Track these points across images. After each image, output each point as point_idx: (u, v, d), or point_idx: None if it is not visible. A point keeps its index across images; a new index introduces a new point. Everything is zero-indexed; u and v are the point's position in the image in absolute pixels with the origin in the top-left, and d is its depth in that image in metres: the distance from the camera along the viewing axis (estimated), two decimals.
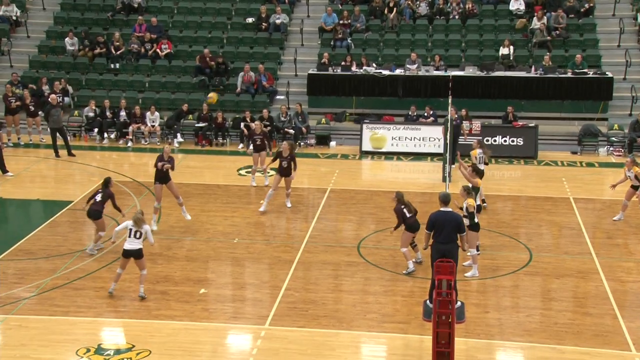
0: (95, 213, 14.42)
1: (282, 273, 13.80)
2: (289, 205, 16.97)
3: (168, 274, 13.70)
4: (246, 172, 19.81)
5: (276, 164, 17.09)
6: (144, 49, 26.13)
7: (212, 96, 20.21)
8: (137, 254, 12.65)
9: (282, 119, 23.15)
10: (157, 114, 23.71)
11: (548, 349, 11.09)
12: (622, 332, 11.51)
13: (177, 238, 15.19)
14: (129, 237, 12.60)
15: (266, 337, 11.56)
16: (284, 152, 16.74)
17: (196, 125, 23.61)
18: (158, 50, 26.12)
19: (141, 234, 12.61)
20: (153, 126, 23.58)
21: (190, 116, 24.00)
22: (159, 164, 15.73)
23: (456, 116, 20.64)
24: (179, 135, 23.45)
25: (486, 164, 17.06)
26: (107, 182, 14.74)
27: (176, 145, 23.15)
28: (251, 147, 18.71)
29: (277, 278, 13.59)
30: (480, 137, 20.18)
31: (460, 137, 20.78)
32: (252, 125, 20.15)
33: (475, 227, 13.33)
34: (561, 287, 13.27)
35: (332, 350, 11.16)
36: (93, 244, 14.64)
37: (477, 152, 16.90)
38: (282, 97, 24.85)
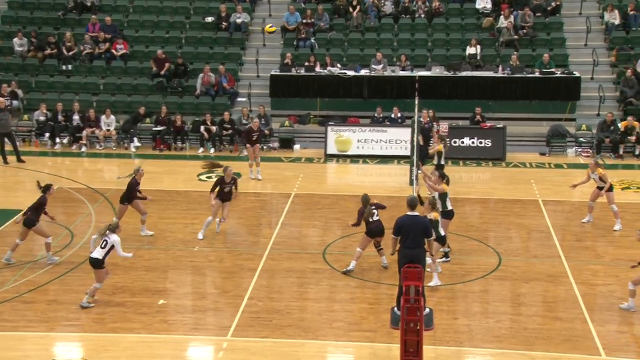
0: (28, 221, 14.20)
1: (244, 282, 13.74)
2: (218, 230, 16.11)
3: (125, 285, 13.54)
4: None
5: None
6: (97, 49, 25.85)
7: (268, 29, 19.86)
8: (94, 263, 12.52)
9: (244, 121, 23.07)
10: (112, 117, 23.48)
11: (518, 355, 11.20)
12: (592, 337, 11.68)
13: (135, 247, 15.02)
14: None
15: (228, 348, 11.49)
16: (226, 177, 15.89)
17: (154, 128, 23.44)
18: (113, 50, 25.86)
19: (106, 242, 12.48)
20: (108, 130, 23.34)
21: (148, 119, 23.82)
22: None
23: (428, 119, 20.79)
24: (135, 139, 23.25)
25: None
26: (46, 188, 14.51)
27: (133, 149, 22.94)
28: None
29: (240, 287, 13.53)
30: (444, 134, 20.29)
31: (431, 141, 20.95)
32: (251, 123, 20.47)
33: (441, 239, 13.44)
34: (530, 292, 13.43)
35: None
36: (47, 253, 14.41)
37: (441, 147, 17.37)
38: (243, 99, 24.78)
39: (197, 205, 17.79)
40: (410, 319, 10.08)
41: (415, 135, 18.67)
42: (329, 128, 22.86)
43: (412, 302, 10.18)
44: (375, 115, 23.35)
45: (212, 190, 15.80)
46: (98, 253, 12.51)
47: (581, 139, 22.86)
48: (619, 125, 22.40)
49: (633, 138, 21.91)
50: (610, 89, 24.42)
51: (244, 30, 26.59)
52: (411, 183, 18.94)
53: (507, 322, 12.24)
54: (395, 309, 11.30)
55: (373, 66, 24.37)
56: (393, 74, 24.01)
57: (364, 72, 24.31)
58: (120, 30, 26.69)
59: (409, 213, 11.56)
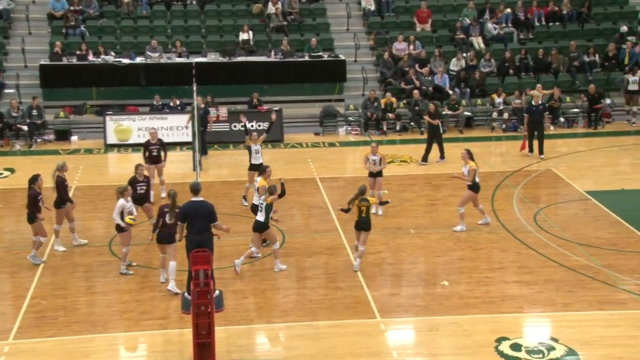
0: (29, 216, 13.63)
1: (26, 281, 12.95)
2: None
3: None
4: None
5: None
6: None
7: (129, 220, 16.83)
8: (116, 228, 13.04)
9: (14, 114, 21.56)
10: None
11: (304, 326, 11.64)
12: (368, 302, 12.42)
13: None
14: None
15: (10, 352, 10.79)
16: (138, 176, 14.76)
17: None
18: None
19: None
20: None
21: None
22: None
23: (202, 105, 20.70)
24: None
25: None
26: (32, 180, 13.58)
27: None
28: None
29: (21, 287, 12.74)
30: (223, 118, 20.26)
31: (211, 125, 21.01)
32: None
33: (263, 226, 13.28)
34: (313, 265, 13.98)
35: (87, 357, 10.74)
36: (34, 250, 13.46)
37: None
38: (11, 90, 23.13)
39: None
40: (201, 302, 10.12)
41: (196, 122, 18.57)
42: (107, 117, 22.07)
43: (202, 286, 10.21)
44: (154, 103, 22.86)
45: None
46: None
47: (350, 118, 24.02)
48: (381, 102, 23.80)
49: (392, 115, 23.34)
50: (372, 70, 25.85)
51: (5, 18, 24.75)
52: (194, 169, 18.83)
53: (293, 296, 12.66)
54: (186, 293, 11.27)
55: (148, 53, 23.81)
56: (169, 61, 23.63)
57: (139, 59, 23.69)
58: None
59: (193, 199, 11.54)
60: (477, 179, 15.23)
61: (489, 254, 14.41)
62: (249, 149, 16.57)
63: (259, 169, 15.43)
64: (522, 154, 20.77)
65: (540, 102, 20.90)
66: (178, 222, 11.70)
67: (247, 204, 16.41)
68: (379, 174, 16.16)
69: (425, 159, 20.02)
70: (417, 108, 23.25)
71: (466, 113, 23.96)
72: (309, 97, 24.57)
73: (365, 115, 23.61)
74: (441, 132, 20.17)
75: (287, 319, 11.87)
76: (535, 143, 20.59)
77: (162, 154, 16.86)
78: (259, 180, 14.25)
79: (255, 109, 23.14)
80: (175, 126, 22.15)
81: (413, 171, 19.67)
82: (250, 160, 16.60)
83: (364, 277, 13.31)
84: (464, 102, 24.23)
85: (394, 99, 23.56)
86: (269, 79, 24.19)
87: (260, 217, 13.40)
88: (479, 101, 24.58)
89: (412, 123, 23.59)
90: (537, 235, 15.25)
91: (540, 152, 20.53)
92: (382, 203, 15.37)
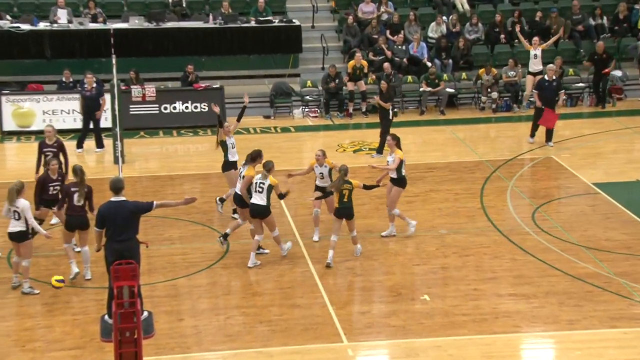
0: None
1: None
2: None
3: None
4: None
5: None
6: None
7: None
8: (17, 237, 12.92)
9: None
10: None
11: (254, 354, 11.61)
12: (332, 322, 12.38)
13: None
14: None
15: None
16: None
17: None
18: None
19: (17, 213, 12.81)
20: None
21: None
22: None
23: (94, 85, 20.15)
24: None
25: None
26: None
27: None
28: None
29: None
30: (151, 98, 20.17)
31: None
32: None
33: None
34: (264, 278, 13.90)
35: None
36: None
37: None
38: None
39: None
40: (126, 327, 10.01)
41: (115, 103, 18.40)
42: (4, 98, 21.87)
43: (126, 307, 10.11)
44: (64, 80, 22.55)
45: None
46: (18, 225, 12.88)
47: (307, 97, 24.02)
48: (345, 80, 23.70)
49: (363, 86, 23.24)
50: (333, 38, 25.91)
51: None
52: (116, 161, 18.69)
53: (240, 317, 12.61)
54: (107, 317, 11.16)
55: (54, 17, 23.47)
56: (81, 27, 23.37)
57: (43, 25, 23.39)
58: None
59: (113, 199, 11.41)
60: (403, 172, 15.12)
61: (479, 261, 14.53)
62: (223, 144, 16.15)
63: (236, 167, 15.61)
64: (540, 131, 20.70)
65: (554, 76, 20.86)
66: (95, 228, 11.56)
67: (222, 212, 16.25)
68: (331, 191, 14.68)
69: (380, 150, 19.90)
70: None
71: (448, 90, 24.16)
72: (256, 71, 24.52)
73: (326, 94, 23.62)
74: (390, 118, 19.71)
75: (233, 346, 11.83)
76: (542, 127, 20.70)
77: (63, 160, 15.52)
78: (247, 169, 14.35)
79: (190, 87, 22.99)
80: None
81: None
82: (226, 157, 16.15)
83: (327, 292, 13.31)
84: (445, 76, 24.44)
85: (364, 62, 23.50)
86: (206, 50, 24.09)
87: (260, 199, 13.79)
88: (463, 75, 24.82)
89: None
90: (536, 237, 15.43)
91: (549, 138, 20.74)
92: (367, 187, 14.80)
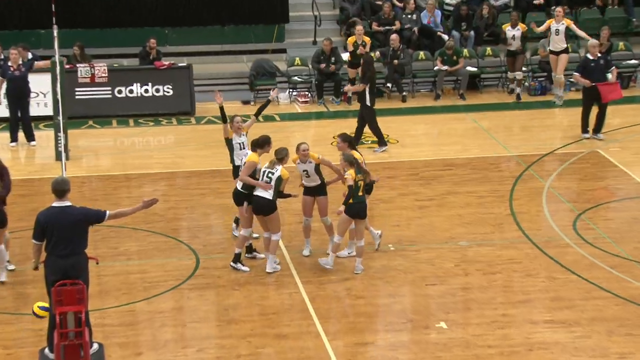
0: None
1: None
2: None
3: None
4: None
5: None
6: None
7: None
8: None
9: None
10: None
11: None
12: (327, 356, 12.34)
13: None
14: None
15: None
16: None
17: None
18: None
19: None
20: None
21: None
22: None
23: (14, 64, 20.09)
24: None
25: None
26: None
27: None
28: None
29: None
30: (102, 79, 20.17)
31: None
32: None
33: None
34: (243, 302, 13.86)
35: None
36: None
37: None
38: None
39: None
40: None
41: (57, 85, 18.37)
42: None
43: (71, 338, 10.07)
44: None
45: None
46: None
47: (296, 78, 23.97)
48: (343, 56, 23.59)
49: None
50: (327, 5, 25.94)
51: None
52: (59, 157, 18.63)
53: (212, 349, 12.56)
54: (47, 350, 11.11)
55: None
56: None
57: None
58: None
59: (56, 204, 11.36)
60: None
61: (508, 281, 14.52)
62: (229, 142, 15.97)
63: None
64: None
65: (598, 54, 20.76)
66: (32, 240, 11.48)
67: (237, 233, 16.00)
68: (321, 190, 15.07)
69: (382, 141, 19.96)
70: (396, 62, 23.33)
71: (469, 68, 24.15)
72: (232, 46, 24.57)
73: (319, 74, 23.55)
74: (367, 104, 19.50)
75: None
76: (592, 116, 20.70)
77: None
78: (250, 155, 14.59)
79: (151, 65, 22.91)
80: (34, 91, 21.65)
81: (393, 157, 19.71)
82: (231, 160, 15.96)
83: (320, 319, 13.26)
84: (465, 52, 24.43)
85: (367, 38, 23.40)
86: (171, 20, 24.10)
87: (266, 192, 13.93)
88: (488, 50, 24.81)
89: (389, 85, 23.64)
90: (579, 250, 15.43)
91: (598, 129, 20.79)
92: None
